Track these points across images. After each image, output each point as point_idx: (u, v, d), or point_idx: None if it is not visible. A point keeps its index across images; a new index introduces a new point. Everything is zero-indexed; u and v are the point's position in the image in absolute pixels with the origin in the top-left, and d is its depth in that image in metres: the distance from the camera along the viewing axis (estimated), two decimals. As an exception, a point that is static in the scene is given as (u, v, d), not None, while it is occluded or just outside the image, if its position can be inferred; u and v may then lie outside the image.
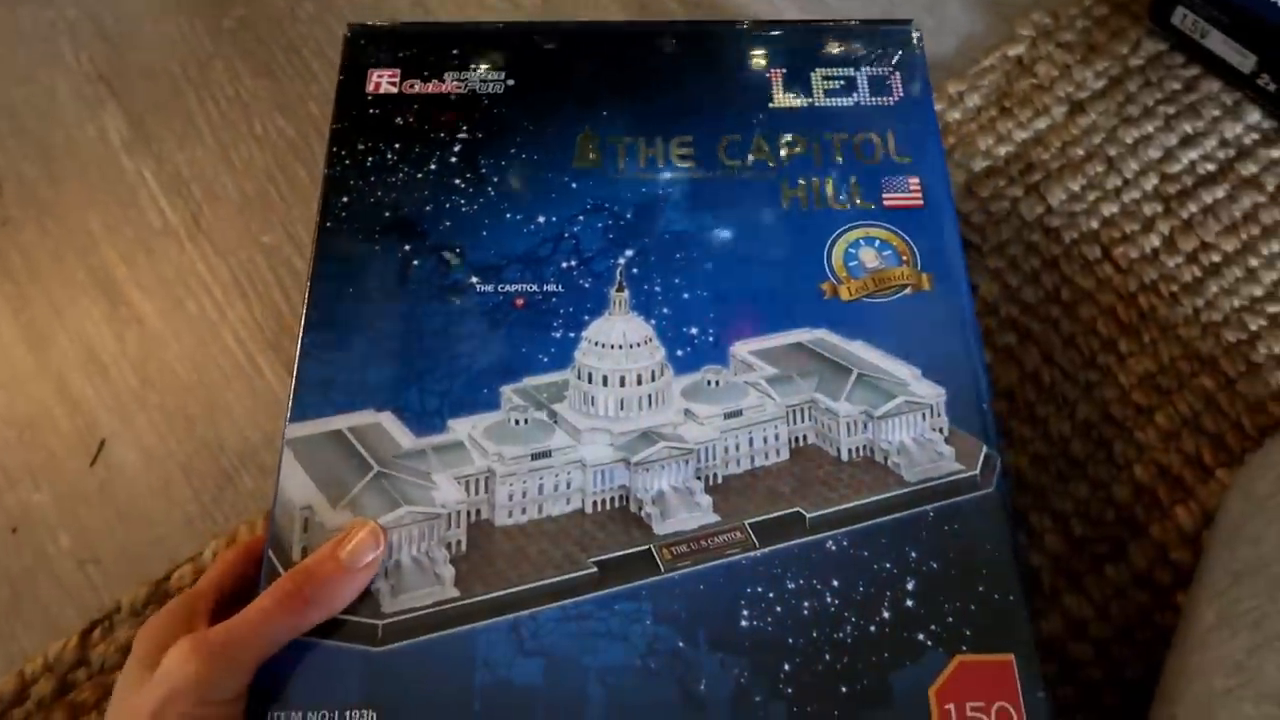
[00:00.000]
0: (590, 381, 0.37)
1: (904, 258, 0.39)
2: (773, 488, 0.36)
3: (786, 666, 0.32)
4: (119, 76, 0.61)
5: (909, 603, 0.33)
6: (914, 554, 0.34)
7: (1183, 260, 0.52)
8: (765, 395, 0.37)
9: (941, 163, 0.42)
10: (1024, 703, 0.32)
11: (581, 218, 0.40)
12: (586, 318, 0.38)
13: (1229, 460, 0.47)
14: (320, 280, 0.39)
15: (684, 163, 0.42)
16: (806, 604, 0.33)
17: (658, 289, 0.39)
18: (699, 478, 0.36)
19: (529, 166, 0.41)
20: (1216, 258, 0.52)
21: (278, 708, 0.32)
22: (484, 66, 0.44)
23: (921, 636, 0.33)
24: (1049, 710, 0.32)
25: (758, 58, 0.44)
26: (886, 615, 0.33)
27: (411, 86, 0.43)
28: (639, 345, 0.37)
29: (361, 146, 0.42)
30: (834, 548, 0.34)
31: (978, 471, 0.36)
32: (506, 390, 0.37)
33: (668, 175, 0.41)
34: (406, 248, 0.40)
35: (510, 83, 0.43)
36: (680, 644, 0.33)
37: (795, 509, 0.35)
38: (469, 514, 0.35)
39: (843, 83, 0.43)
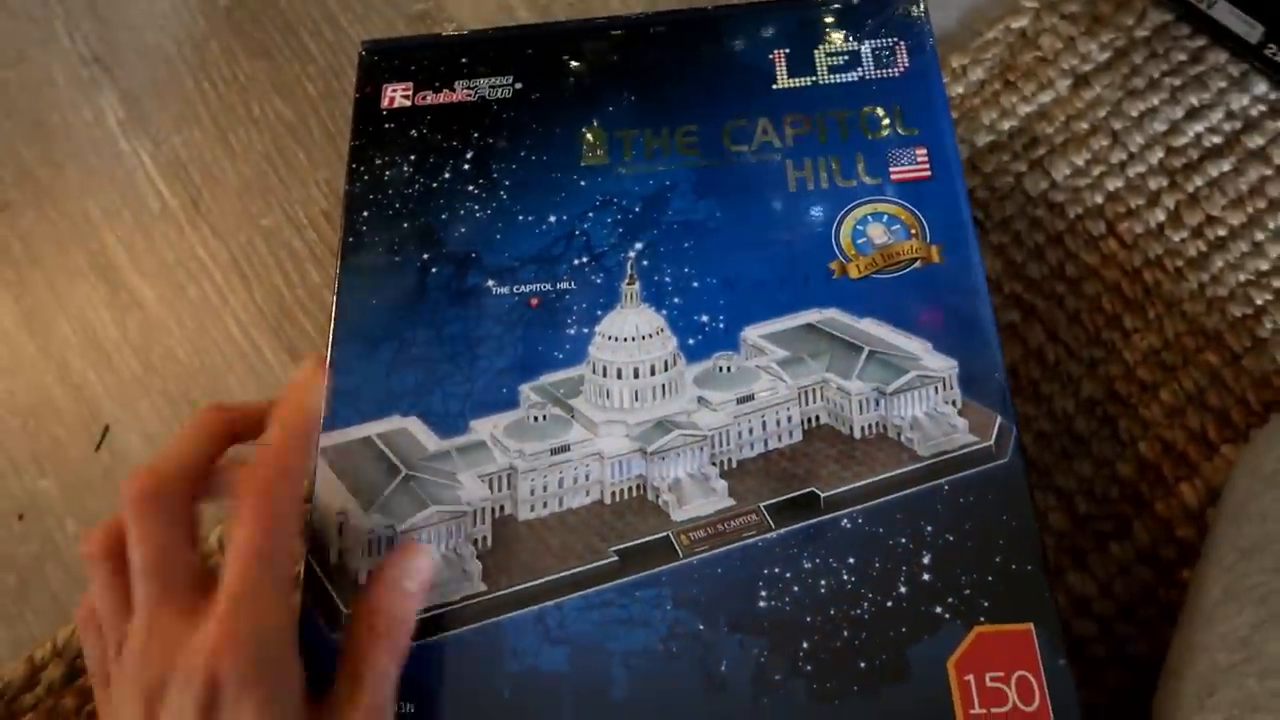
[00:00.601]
0: (605, 375, 0.38)
1: (913, 231, 0.39)
2: (787, 469, 0.36)
3: (805, 645, 0.33)
4: (114, 57, 0.60)
5: (925, 576, 0.34)
6: (929, 528, 0.34)
7: (1188, 235, 0.50)
8: (777, 378, 0.37)
9: (950, 130, 0.41)
10: (1044, 671, 0.32)
11: (591, 214, 0.41)
12: (600, 312, 0.39)
13: (1234, 436, 0.46)
14: (344, 294, 0.40)
15: (690, 152, 0.42)
16: (823, 582, 0.34)
17: (668, 279, 0.39)
18: (714, 463, 0.37)
19: (538, 168, 0.42)
20: (1222, 232, 0.50)
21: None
22: (492, 73, 0.45)
23: (939, 609, 0.33)
24: (1070, 678, 0.32)
25: (760, 40, 0.44)
26: (903, 590, 0.34)
27: (424, 98, 0.45)
28: (651, 336, 0.38)
29: (379, 161, 0.43)
30: (849, 525, 0.35)
31: (992, 442, 0.35)
32: (525, 389, 0.38)
33: (674, 165, 0.42)
34: (425, 256, 0.41)
35: (518, 86, 0.44)
36: (700, 627, 0.34)
37: (809, 489, 0.36)
38: (493, 510, 0.36)
39: (846, 58, 0.43)
